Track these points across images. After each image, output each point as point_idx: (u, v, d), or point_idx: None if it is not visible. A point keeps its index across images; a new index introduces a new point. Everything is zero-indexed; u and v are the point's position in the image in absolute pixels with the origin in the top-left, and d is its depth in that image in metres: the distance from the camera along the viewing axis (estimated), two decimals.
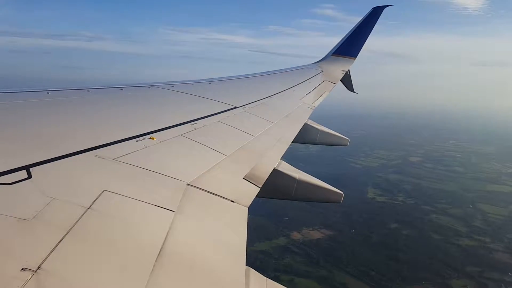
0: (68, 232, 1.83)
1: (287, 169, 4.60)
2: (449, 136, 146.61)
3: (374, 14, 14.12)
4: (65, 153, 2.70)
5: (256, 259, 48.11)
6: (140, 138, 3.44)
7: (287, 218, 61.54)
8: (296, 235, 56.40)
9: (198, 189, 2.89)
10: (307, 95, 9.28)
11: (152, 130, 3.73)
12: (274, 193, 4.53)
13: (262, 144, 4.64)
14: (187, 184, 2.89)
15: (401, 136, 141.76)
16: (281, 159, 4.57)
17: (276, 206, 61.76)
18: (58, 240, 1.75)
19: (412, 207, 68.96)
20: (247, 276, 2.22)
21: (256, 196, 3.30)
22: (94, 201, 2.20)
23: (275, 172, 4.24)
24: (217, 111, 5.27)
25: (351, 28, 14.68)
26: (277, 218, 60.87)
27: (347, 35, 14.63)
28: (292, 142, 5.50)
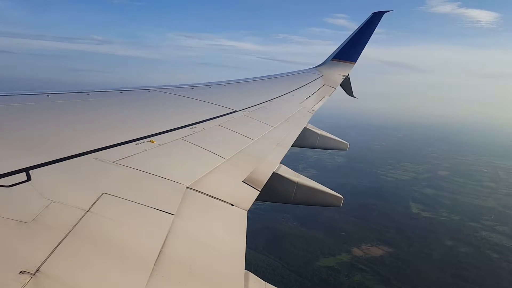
0: (67, 235, 1.83)
1: (287, 172, 4.59)
2: (469, 150, 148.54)
3: (374, 19, 14.16)
4: (65, 156, 2.70)
5: (329, 276, 49.74)
6: (140, 141, 3.44)
7: (343, 233, 62.70)
8: (357, 251, 57.61)
9: (197, 192, 2.89)
10: (307, 100, 9.29)
11: (152, 134, 3.73)
12: (274, 197, 4.52)
13: (261, 148, 4.63)
14: (187, 187, 2.88)
15: (421, 149, 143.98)
16: (280, 162, 4.57)
17: (330, 220, 64.42)
18: (57, 243, 1.75)
19: (460, 223, 70.20)
20: (246, 279, 2.22)
21: (255, 200, 3.30)
22: (94, 203, 2.20)
23: (275, 176, 4.24)
24: (217, 115, 5.28)
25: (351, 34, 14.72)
26: (334, 233, 62.19)
27: (347, 40, 14.66)
28: (291, 146, 5.51)
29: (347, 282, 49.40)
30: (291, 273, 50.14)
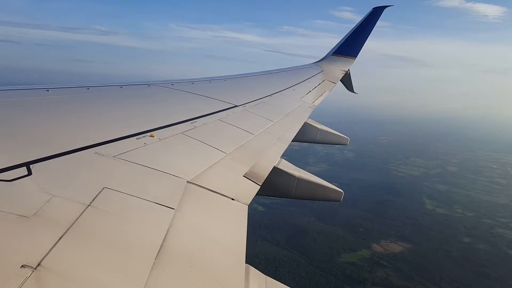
0: (68, 229, 1.83)
1: (287, 167, 4.59)
2: (476, 145, 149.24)
3: (375, 14, 14.08)
4: (65, 150, 2.70)
5: (352, 271, 50.16)
6: (140, 135, 3.44)
7: (362, 229, 63.66)
8: (376, 247, 58.34)
9: (198, 187, 2.89)
10: (307, 95, 9.28)
11: (152, 128, 3.72)
12: (274, 191, 4.53)
13: (262, 143, 4.63)
14: (188, 181, 2.88)
15: (428, 144, 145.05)
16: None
17: (347, 216, 65.28)
18: (58, 237, 1.75)
19: (475, 220, 70.89)
20: (247, 273, 2.22)
21: (256, 194, 3.30)
22: (94, 198, 2.20)
23: (275, 170, 4.24)
24: (217, 110, 5.27)
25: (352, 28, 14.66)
26: (352, 229, 63.09)
27: (347, 35, 14.60)
28: (292, 141, 5.51)
29: (371, 278, 49.93)
30: (315, 269, 50.76)
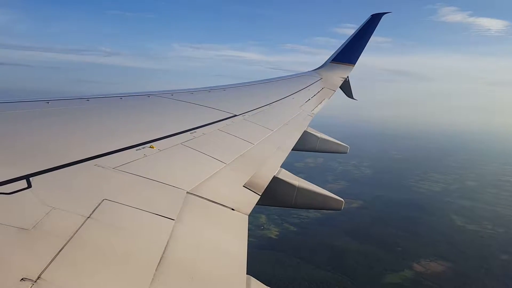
0: (68, 242, 1.83)
1: (287, 176, 4.59)
2: (488, 159, 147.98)
3: (373, 21, 14.18)
4: (65, 163, 2.70)
5: None
6: (140, 147, 3.44)
7: (399, 248, 62.43)
8: (418, 267, 57.17)
9: (198, 197, 2.89)
10: (307, 103, 9.30)
11: (152, 139, 3.73)
12: (274, 201, 4.52)
13: (262, 152, 4.64)
14: (187, 192, 2.88)
15: (441, 158, 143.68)
16: (281, 166, 4.57)
17: (381, 235, 64.50)
18: (58, 250, 1.75)
19: (507, 236, 69.85)
20: (248, 284, 2.21)
21: (256, 204, 3.30)
22: (94, 210, 2.20)
23: (275, 180, 4.24)
24: (217, 119, 5.29)
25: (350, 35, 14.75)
26: (389, 248, 62.07)
27: (346, 42, 14.67)
28: (292, 150, 5.51)
29: None
30: None
